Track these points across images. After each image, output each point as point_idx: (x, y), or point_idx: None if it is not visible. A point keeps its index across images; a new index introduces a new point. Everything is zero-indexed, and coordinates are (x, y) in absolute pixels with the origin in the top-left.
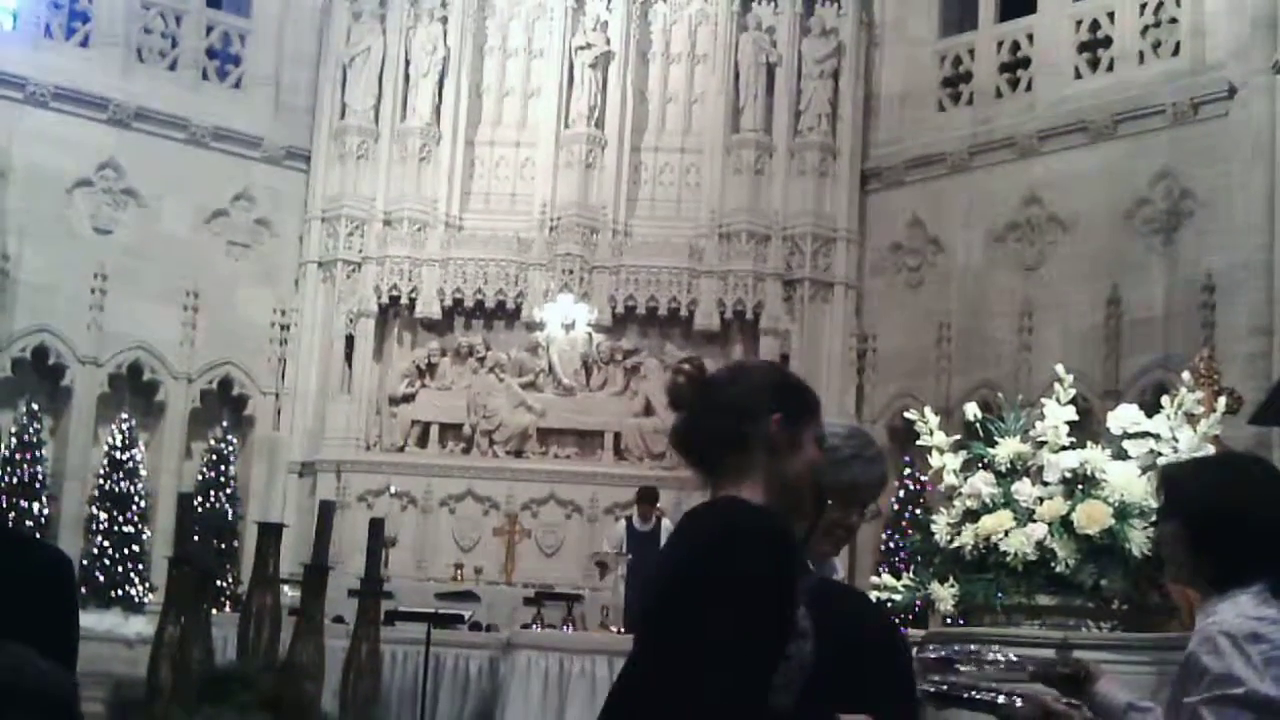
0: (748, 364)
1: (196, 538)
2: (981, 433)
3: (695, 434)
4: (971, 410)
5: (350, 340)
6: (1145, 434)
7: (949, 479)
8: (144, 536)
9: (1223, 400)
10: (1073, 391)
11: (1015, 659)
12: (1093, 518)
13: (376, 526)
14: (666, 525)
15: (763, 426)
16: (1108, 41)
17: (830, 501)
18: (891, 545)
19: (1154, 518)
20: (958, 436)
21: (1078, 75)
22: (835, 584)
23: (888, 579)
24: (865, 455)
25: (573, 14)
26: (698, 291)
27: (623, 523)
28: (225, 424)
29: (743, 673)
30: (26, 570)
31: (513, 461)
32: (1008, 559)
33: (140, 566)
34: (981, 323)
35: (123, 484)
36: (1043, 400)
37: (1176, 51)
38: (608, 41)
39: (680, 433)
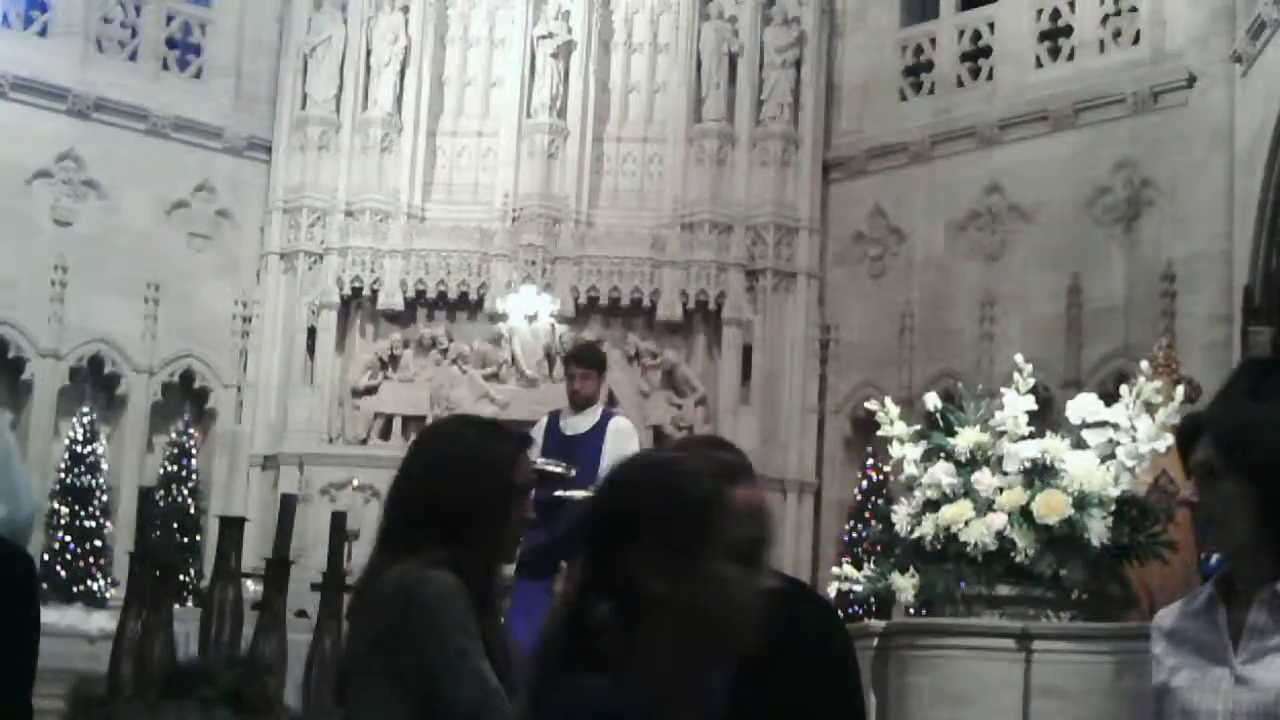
0: None
1: (158, 532)
2: (942, 423)
3: None
4: (932, 400)
5: (312, 332)
6: (1104, 423)
7: (910, 469)
8: (105, 531)
9: (1181, 389)
10: (1033, 381)
11: None
12: (1052, 507)
13: (339, 520)
14: (619, 426)
15: None
16: (1068, 30)
17: None
18: (853, 535)
19: (1113, 506)
20: (919, 427)
21: (1038, 64)
22: None
23: (849, 569)
24: None
25: (534, 3)
26: (660, 282)
27: (543, 421)
28: (187, 417)
29: None
30: None
31: None
32: (968, 549)
33: (102, 561)
34: (943, 313)
35: (84, 478)
36: (1004, 390)
37: (1137, 40)
38: (569, 31)
39: None
